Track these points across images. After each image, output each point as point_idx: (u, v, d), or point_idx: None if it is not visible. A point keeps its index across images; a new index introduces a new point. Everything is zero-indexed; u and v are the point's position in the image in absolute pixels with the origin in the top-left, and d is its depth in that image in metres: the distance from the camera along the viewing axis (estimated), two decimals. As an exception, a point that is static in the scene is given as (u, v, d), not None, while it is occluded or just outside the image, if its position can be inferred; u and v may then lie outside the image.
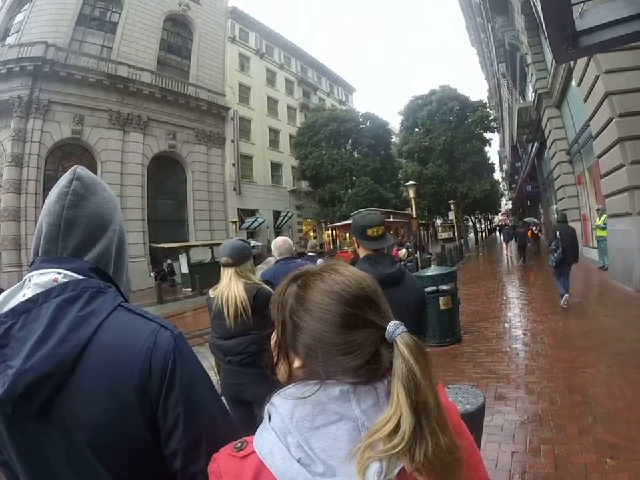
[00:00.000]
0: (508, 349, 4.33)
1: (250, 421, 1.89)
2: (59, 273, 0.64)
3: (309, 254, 4.64)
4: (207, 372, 0.69)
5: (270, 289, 1.94)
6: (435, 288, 4.82)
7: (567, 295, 5.77)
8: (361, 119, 25.35)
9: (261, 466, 0.47)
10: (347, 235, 18.31)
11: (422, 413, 0.47)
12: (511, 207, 48.84)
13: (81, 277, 0.65)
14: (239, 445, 0.52)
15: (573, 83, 8.89)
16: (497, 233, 39.23)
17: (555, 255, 5.67)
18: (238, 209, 22.37)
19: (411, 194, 11.25)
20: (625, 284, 6.61)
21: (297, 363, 0.54)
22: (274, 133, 26.84)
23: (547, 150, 14.47)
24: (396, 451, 0.44)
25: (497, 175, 36.94)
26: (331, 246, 20.88)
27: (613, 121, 6.44)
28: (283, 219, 25.14)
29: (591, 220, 10.15)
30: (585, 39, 2.63)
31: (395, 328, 0.52)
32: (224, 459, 0.51)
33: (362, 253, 1.63)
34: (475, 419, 1.74)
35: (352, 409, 0.49)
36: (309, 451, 0.47)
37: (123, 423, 0.57)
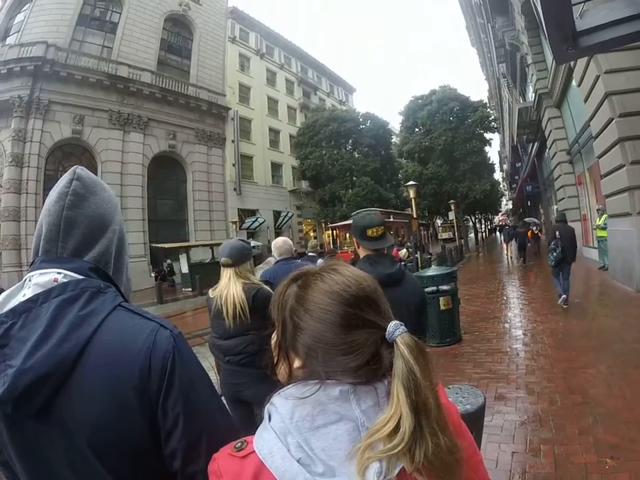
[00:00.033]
0: (508, 349, 4.33)
1: (250, 421, 1.90)
2: (59, 273, 0.64)
3: (310, 254, 4.65)
4: (208, 372, 0.69)
5: (269, 289, 1.94)
6: (435, 288, 4.82)
7: (564, 295, 5.82)
8: (361, 119, 25.34)
9: (261, 466, 0.47)
10: (347, 235, 18.30)
11: (422, 413, 0.47)
12: (511, 207, 48.84)
13: (80, 277, 0.65)
14: (239, 444, 0.52)
15: (573, 83, 8.90)
16: (497, 233, 39.24)
17: (554, 254, 5.76)
18: (238, 209, 22.38)
19: (411, 194, 11.27)
20: (625, 284, 6.61)
21: (297, 363, 0.54)
22: (274, 133, 26.84)
23: (547, 150, 14.47)
24: (396, 451, 0.44)
25: (497, 175, 37.01)
26: (331, 246, 20.87)
27: (613, 121, 6.44)
28: (283, 219, 25.14)
29: (591, 220, 10.15)
30: (585, 39, 2.63)
31: (395, 328, 0.52)
32: (224, 459, 0.51)
33: (362, 253, 1.63)
34: (475, 419, 1.74)
35: (352, 409, 0.49)
36: (309, 451, 0.47)
37: (123, 422, 0.57)
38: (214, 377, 2.66)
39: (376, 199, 21.99)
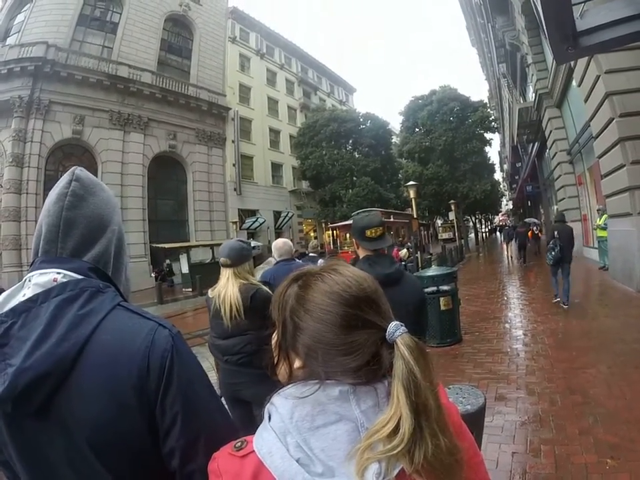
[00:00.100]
0: (508, 350, 4.33)
1: (249, 421, 1.90)
2: (59, 273, 0.64)
3: (310, 254, 4.65)
4: (208, 372, 0.69)
5: (268, 289, 1.95)
6: (435, 288, 4.81)
7: (558, 298, 5.97)
8: (361, 119, 25.36)
9: (260, 465, 0.47)
10: (348, 235, 18.29)
11: (422, 414, 0.47)
12: (511, 207, 48.83)
13: (80, 276, 0.65)
14: (239, 444, 0.52)
15: (574, 83, 8.89)
16: (498, 233, 39.24)
17: (553, 253, 5.83)
18: (238, 209, 22.38)
19: (412, 194, 11.27)
20: (625, 284, 6.61)
21: (297, 364, 0.54)
22: (274, 133, 26.84)
23: (547, 150, 14.47)
24: (395, 452, 0.44)
25: (498, 175, 37.01)
26: (332, 246, 20.87)
27: (614, 121, 6.44)
28: (284, 219, 25.14)
29: (592, 220, 10.14)
30: (585, 39, 2.63)
31: (395, 329, 0.51)
32: (224, 458, 0.51)
33: (361, 253, 1.64)
34: (475, 420, 1.74)
35: (352, 410, 0.49)
36: (308, 451, 0.47)
37: (122, 421, 0.58)
38: (214, 377, 2.66)
39: (376, 199, 22.01)
